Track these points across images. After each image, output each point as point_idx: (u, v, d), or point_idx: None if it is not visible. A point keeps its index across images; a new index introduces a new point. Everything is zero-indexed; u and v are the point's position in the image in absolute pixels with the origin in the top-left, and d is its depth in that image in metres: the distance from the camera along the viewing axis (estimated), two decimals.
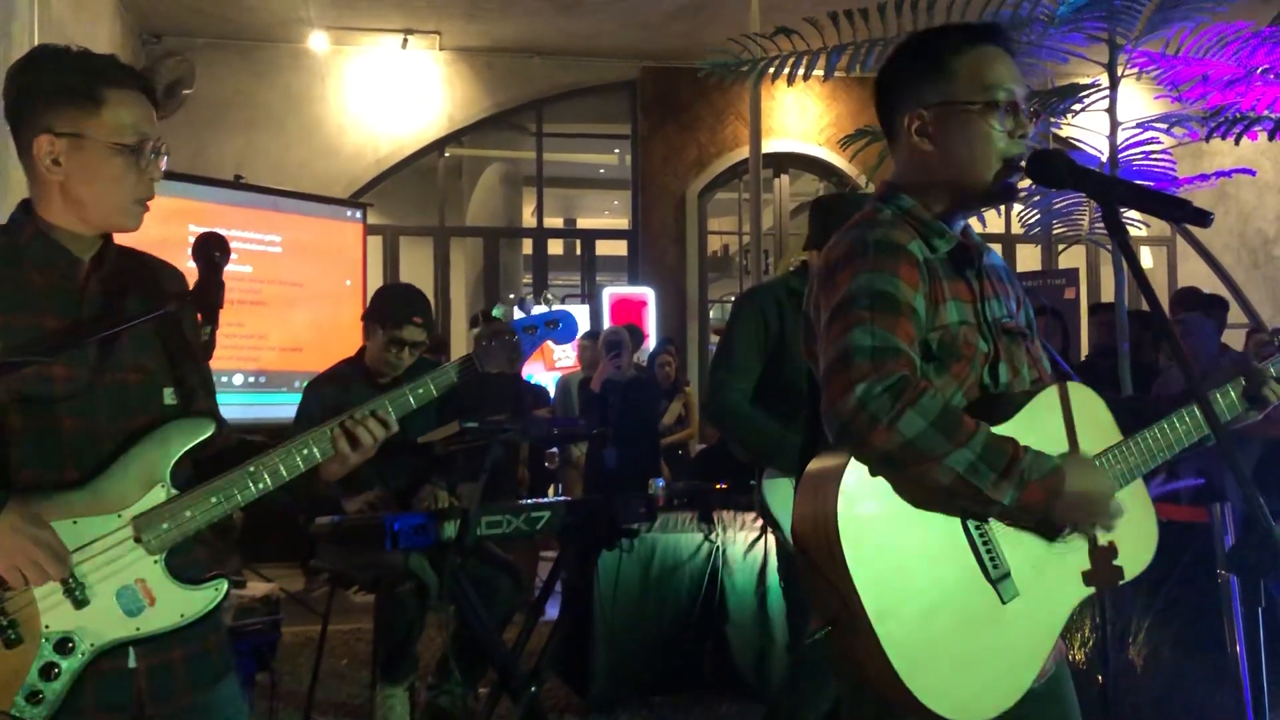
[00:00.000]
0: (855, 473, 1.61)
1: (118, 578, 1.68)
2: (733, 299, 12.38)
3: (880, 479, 1.62)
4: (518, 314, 2.05)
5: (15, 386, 1.66)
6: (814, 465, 1.70)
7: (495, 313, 2.04)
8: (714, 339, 9.85)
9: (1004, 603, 1.64)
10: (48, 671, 1.63)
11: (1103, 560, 1.73)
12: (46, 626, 1.64)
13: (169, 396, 1.80)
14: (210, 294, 1.77)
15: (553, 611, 4.66)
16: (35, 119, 1.71)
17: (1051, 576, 1.69)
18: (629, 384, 6.76)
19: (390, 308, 3.89)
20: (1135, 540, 1.76)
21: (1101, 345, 6.17)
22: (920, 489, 1.60)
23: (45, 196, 1.74)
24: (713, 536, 4.70)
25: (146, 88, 1.78)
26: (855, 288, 1.65)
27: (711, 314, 11.56)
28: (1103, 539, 1.72)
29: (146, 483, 1.71)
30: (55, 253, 1.74)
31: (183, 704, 1.77)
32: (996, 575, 1.65)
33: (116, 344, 1.75)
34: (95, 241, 1.79)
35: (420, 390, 1.92)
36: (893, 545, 1.61)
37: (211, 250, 1.80)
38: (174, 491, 1.73)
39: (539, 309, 2.05)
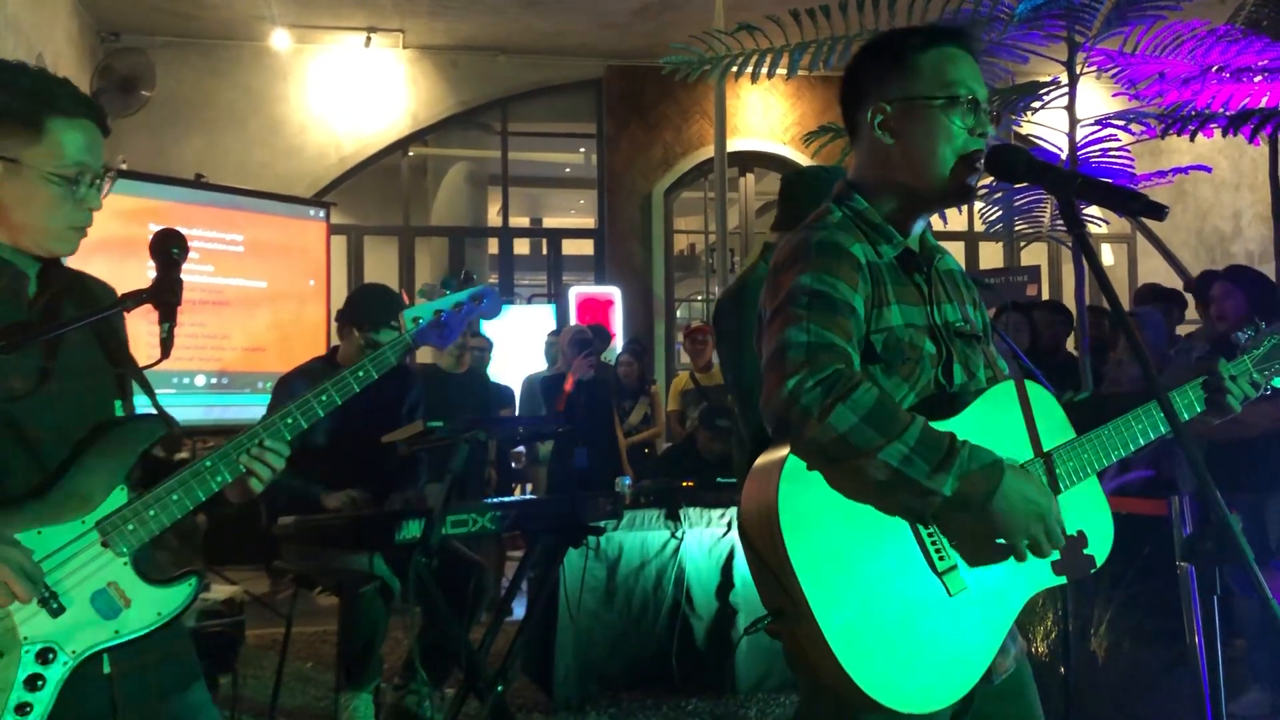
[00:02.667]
0: (796, 464, 1.62)
1: (90, 583, 1.68)
2: (699, 298, 12.39)
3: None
4: (443, 293, 2.09)
5: None
6: (759, 460, 1.71)
7: (420, 293, 2.07)
8: (680, 339, 9.85)
9: (950, 595, 1.65)
10: (32, 683, 1.63)
11: (1073, 550, 1.72)
12: (25, 638, 1.63)
13: (119, 408, 1.81)
14: (168, 291, 1.77)
15: (519, 611, 4.66)
16: None
17: (1002, 571, 1.69)
18: (590, 383, 6.76)
19: (368, 310, 3.90)
20: (1095, 532, 1.77)
21: (1040, 343, 6.33)
22: (860, 487, 1.60)
23: None
24: (678, 533, 4.71)
25: (98, 117, 1.77)
26: (795, 287, 1.67)
27: (678, 313, 11.57)
28: (1071, 528, 1.70)
29: (106, 486, 1.70)
30: (1, 268, 1.74)
31: (156, 710, 1.77)
32: (943, 567, 1.65)
33: (65, 348, 1.75)
34: (38, 260, 1.78)
35: (360, 373, 1.90)
36: (835, 536, 1.61)
37: (169, 247, 1.80)
38: (134, 493, 1.72)
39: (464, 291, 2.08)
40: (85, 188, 1.74)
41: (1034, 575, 1.72)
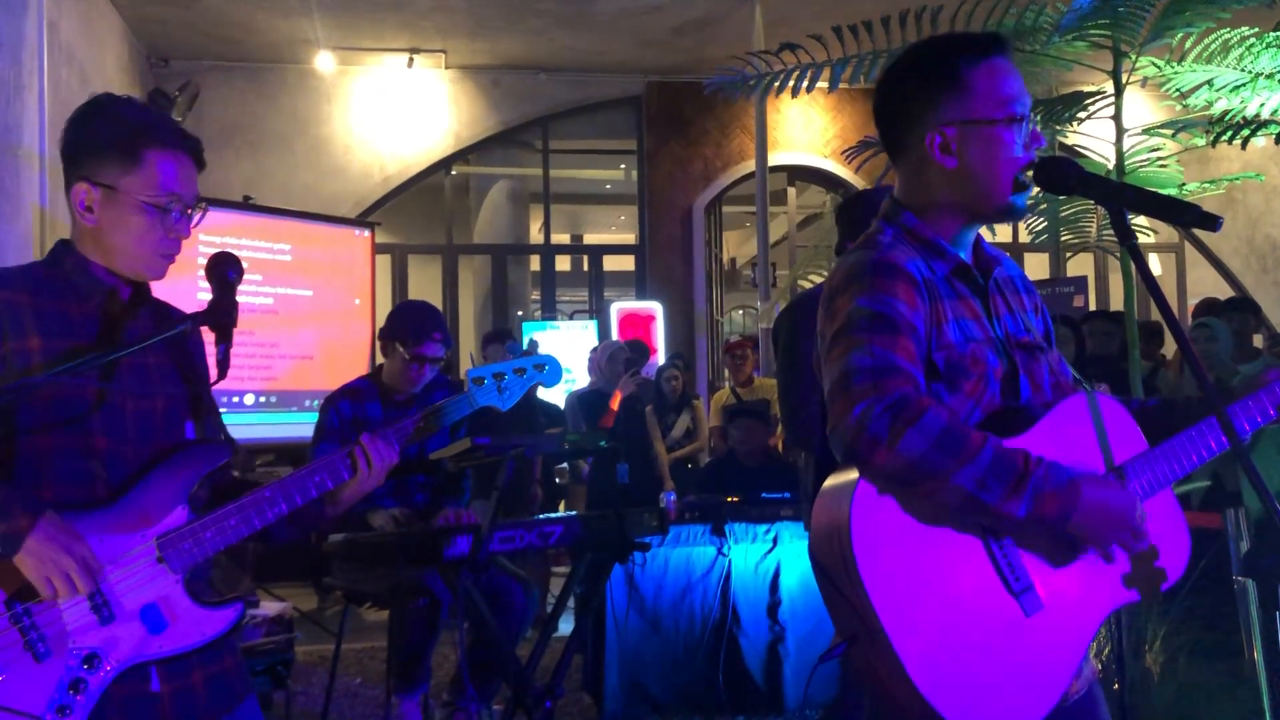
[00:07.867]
0: (868, 486, 1.59)
1: (141, 596, 1.73)
2: (740, 311, 12.38)
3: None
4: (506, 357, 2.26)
5: (49, 403, 1.72)
6: (828, 482, 1.68)
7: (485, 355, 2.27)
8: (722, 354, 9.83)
9: (1027, 615, 1.61)
10: (76, 685, 1.67)
11: (1144, 564, 1.68)
12: (74, 641, 1.69)
13: (191, 428, 1.87)
14: (224, 313, 1.82)
15: (566, 627, 4.66)
16: (79, 166, 1.81)
17: (1078, 590, 1.66)
18: (628, 399, 6.76)
19: (410, 325, 3.92)
20: (1170, 546, 1.73)
21: (1095, 354, 6.05)
22: (933, 510, 1.58)
23: (80, 236, 1.83)
24: (724, 549, 4.70)
25: (192, 150, 1.87)
26: (853, 310, 1.64)
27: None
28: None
29: (169, 504, 1.76)
30: (93, 286, 1.82)
31: None
32: (1019, 588, 1.62)
33: (142, 368, 1.82)
34: (129, 281, 1.86)
35: (423, 424, 2.05)
36: (908, 558, 1.58)
37: (225, 269, 1.86)
38: (194, 513, 1.78)
39: (543, 329, 2.22)
40: (176, 217, 1.82)
41: (1110, 593, 1.69)
